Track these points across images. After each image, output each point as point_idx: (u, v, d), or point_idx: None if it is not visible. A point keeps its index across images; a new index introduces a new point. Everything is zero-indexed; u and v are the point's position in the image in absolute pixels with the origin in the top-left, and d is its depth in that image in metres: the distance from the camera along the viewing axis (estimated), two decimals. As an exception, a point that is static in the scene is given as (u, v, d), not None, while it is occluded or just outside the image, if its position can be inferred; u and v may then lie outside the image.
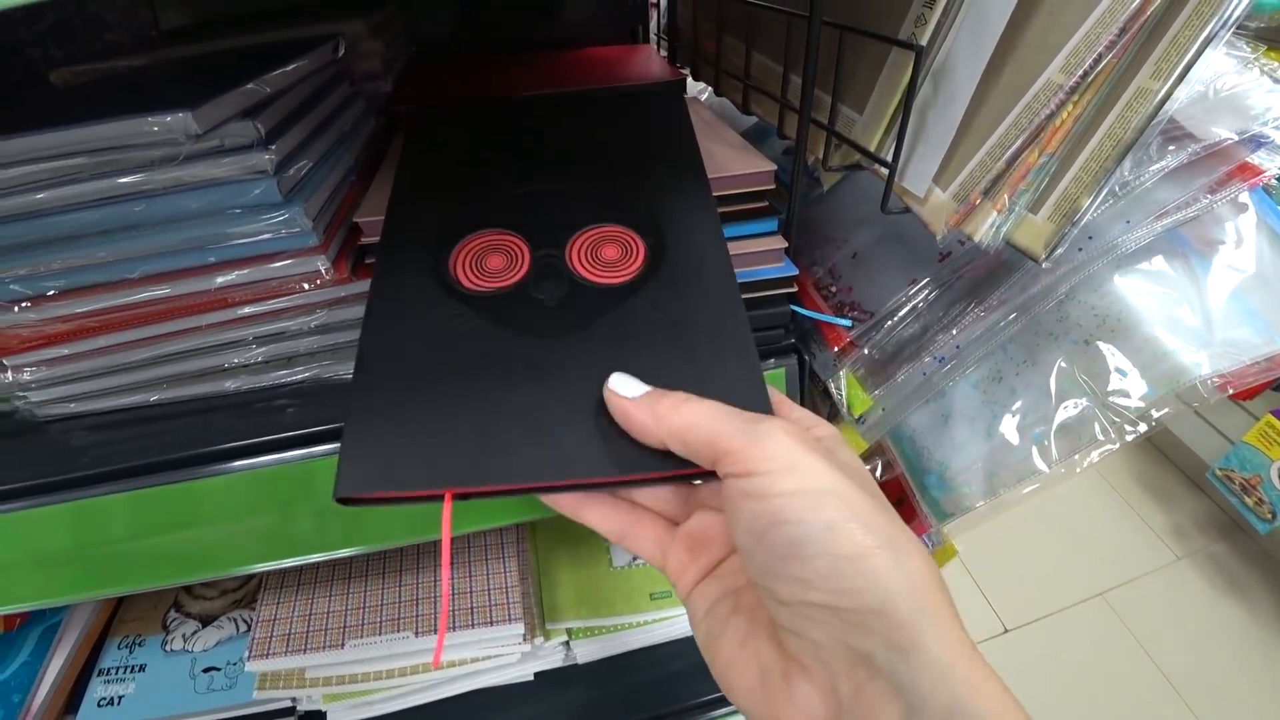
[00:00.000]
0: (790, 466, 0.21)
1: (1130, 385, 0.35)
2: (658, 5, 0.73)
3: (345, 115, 0.46)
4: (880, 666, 0.20)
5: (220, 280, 0.36)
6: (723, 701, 0.62)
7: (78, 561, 0.39)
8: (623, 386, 0.25)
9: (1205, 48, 0.27)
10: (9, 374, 0.39)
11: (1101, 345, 0.37)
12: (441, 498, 0.25)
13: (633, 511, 0.28)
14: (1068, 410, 0.36)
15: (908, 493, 0.47)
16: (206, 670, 0.59)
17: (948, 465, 0.42)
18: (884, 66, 0.33)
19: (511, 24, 0.71)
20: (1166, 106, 0.27)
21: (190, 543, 0.40)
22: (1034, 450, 0.38)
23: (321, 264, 0.37)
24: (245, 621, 0.62)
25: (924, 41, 0.30)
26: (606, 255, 0.32)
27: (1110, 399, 0.35)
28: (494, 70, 0.57)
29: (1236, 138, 0.35)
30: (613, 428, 0.25)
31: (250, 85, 0.35)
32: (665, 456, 0.25)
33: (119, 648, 0.61)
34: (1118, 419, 0.35)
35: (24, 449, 0.39)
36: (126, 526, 0.38)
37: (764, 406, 0.25)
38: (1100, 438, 0.35)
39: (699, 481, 0.28)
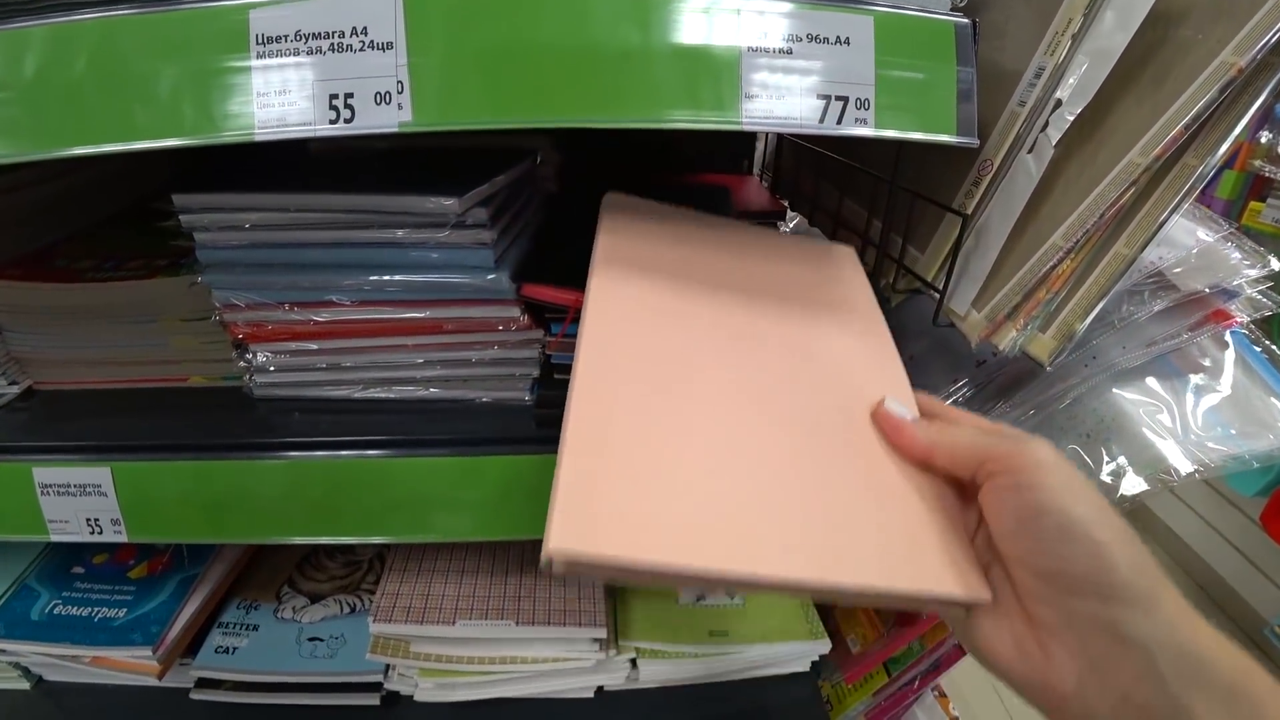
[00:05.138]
0: (1056, 466, 0.27)
1: (1119, 468, 0.46)
2: (765, 142, 0.91)
3: (529, 209, 0.63)
4: (1122, 626, 0.25)
5: (438, 314, 0.52)
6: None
7: (261, 509, 0.52)
8: (896, 408, 0.32)
9: (1161, 228, 0.40)
10: (256, 357, 0.54)
11: (1100, 439, 0.48)
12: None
13: None
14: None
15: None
16: (311, 639, 0.68)
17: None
18: (941, 222, 0.48)
19: (641, 147, 0.89)
20: (1136, 265, 0.40)
21: (345, 510, 0.52)
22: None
23: (518, 312, 0.52)
24: (349, 604, 0.72)
25: (969, 210, 0.44)
26: None
27: (1104, 479, 0.46)
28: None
29: (1209, 290, 0.48)
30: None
31: (488, 184, 0.50)
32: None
33: (238, 607, 0.71)
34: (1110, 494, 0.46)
35: (242, 416, 0.54)
36: (322, 489, 0.51)
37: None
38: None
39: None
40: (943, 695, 0.92)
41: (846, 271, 0.48)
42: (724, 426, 0.31)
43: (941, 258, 0.48)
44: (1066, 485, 0.26)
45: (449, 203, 0.45)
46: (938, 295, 0.48)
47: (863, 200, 0.58)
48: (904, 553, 0.28)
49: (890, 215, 0.48)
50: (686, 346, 0.35)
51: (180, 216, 0.48)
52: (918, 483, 0.31)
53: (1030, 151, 0.43)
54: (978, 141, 0.40)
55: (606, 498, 0.27)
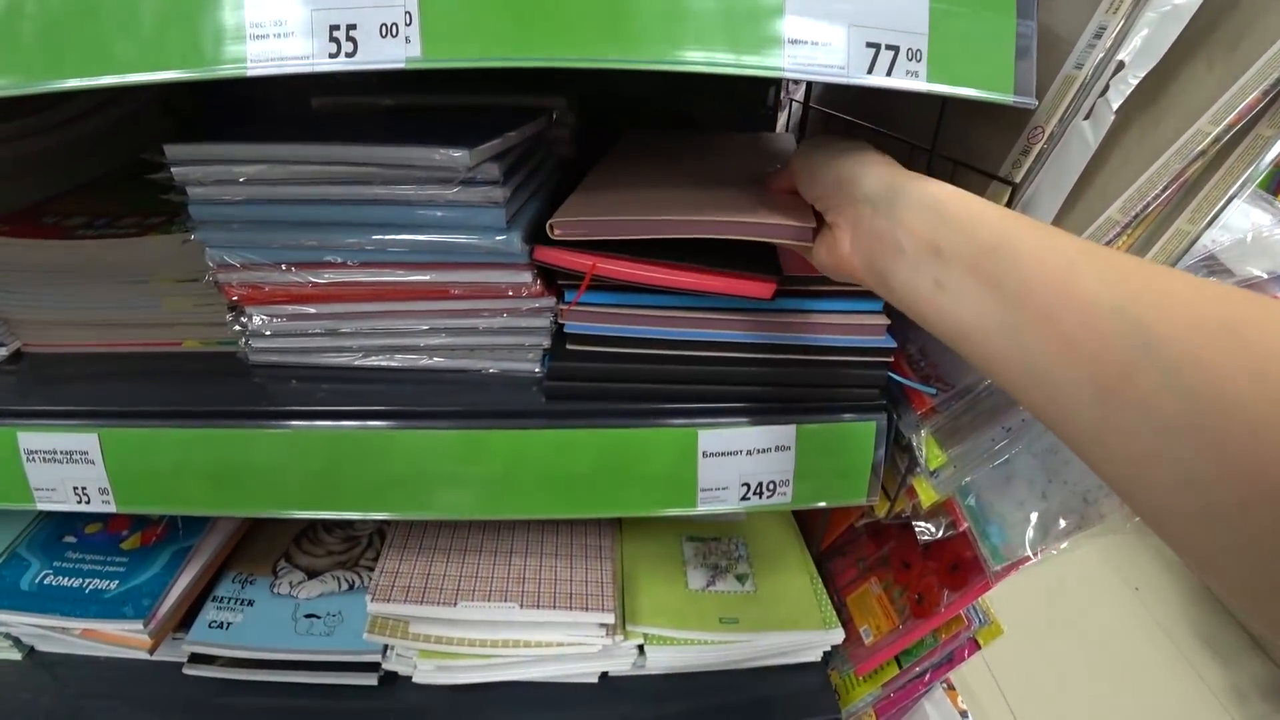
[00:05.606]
0: (815, 140, 0.43)
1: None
2: (789, 111, 0.87)
3: (544, 170, 0.60)
4: (857, 194, 0.37)
5: (444, 277, 0.49)
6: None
7: (253, 482, 0.50)
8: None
9: (1230, 202, 0.37)
10: (252, 321, 0.52)
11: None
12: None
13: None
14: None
15: (971, 543, 0.54)
16: (308, 616, 0.66)
17: (1007, 518, 0.50)
18: (985, 192, 0.44)
19: (659, 112, 0.85)
20: (1199, 243, 0.37)
21: (344, 484, 0.50)
22: (1081, 511, 0.46)
23: (529, 277, 0.49)
24: (347, 581, 0.70)
25: (1018, 179, 0.41)
26: None
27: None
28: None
29: (1266, 276, 0.44)
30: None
31: (500, 139, 0.47)
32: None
33: (233, 581, 0.69)
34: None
35: (237, 383, 0.52)
36: (320, 460, 0.49)
37: None
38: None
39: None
40: (951, 688, 0.90)
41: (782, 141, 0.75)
42: (666, 180, 0.53)
43: (983, 232, 0.45)
44: (817, 142, 0.43)
45: (458, 155, 0.42)
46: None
47: (897, 171, 0.54)
48: (764, 211, 0.45)
49: (930, 185, 0.45)
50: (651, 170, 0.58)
51: (172, 169, 0.46)
52: (786, 198, 0.46)
53: (1087, 118, 0.40)
54: (1035, 102, 0.36)
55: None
